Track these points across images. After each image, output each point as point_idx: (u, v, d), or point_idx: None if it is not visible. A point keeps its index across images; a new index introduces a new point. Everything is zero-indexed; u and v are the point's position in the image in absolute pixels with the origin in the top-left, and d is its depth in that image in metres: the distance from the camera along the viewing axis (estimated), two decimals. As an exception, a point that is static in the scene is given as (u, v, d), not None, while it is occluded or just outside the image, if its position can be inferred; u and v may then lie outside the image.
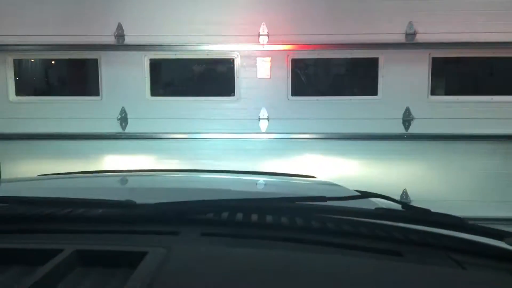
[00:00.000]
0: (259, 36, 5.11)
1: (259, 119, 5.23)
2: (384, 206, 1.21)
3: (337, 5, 5.09)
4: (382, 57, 5.13)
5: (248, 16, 5.10)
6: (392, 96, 5.15)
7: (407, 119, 5.16)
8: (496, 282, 0.80)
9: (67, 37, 5.10)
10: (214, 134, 5.23)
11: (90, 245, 0.85)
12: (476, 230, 0.97)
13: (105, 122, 5.26)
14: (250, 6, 5.11)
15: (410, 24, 5.01)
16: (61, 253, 0.78)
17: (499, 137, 5.09)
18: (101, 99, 5.28)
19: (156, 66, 5.39)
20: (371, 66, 5.24)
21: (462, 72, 5.62)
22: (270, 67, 5.19)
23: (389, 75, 5.13)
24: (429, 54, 5.10)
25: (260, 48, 5.14)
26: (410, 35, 5.02)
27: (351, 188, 1.75)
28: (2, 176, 5.16)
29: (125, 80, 5.23)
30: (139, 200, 1.10)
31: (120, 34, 5.14)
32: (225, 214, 1.12)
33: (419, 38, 5.02)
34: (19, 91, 5.36)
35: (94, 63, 5.29)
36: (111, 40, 5.15)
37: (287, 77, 5.20)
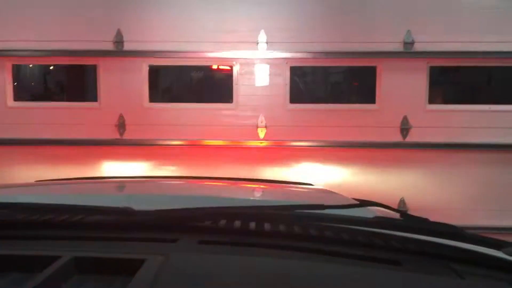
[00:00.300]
0: (257, 43, 5.12)
1: (257, 126, 5.24)
2: (382, 215, 1.21)
3: (336, 13, 5.11)
4: (380, 65, 5.15)
5: (247, 23, 5.11)
6: (390, 105, 5.16)
7: (405, 127, 5.17)
8: None
9: (66, 42, 5.10)
10: (212, 141, 5.23)
11: (88, 252, 0.85)
12: (474, 240, 0.97)
13: (103, 128, 5.25)
14: (249, 13, 5.13)
15: (409, 33, 5.03)
16: (59, 260, 0.78)
17: (498, 146, 5.10)
18: (99, 105, 5.28)
19: (154, 73, 5.40)
20: (369, 74, 5.25)
21: (460, 81, 5.65)
22: (269, 74, 5.20)
23: (387, 83, 5.15)
24: (427, 63, 5.11)
25: (259, 55, 5.15)
26: (408, 44, 5.04)
27: (348, 196, 1.75)
28: (-1, 182, 5.14)
29: (124, 86, 5.23)
30: (137, 207, 1.09)
31: (119, 40, 5.15)
32: (223, 222, 1.12)
33: (417, 47, 5.04)
34: (17, 97, 5.35)
35: (93, 69, 5.29)
36: (110, 46, 5.15)
37: (286, 85, 5.21)
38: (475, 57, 5.06)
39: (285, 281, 0.77)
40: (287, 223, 1.11)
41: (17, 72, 5.44)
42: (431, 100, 5.19)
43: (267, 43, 5.12)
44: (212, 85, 5.62)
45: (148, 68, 5.26)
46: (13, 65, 5.33)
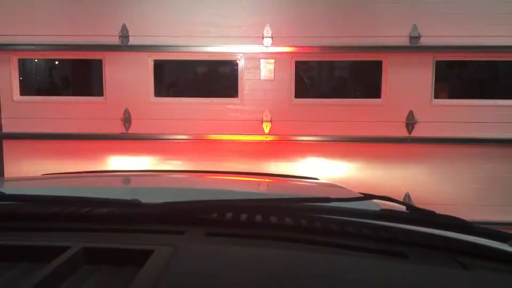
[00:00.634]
0: (263, 38, 5.12)
1: (262, 121, 5.24)
2: (388, 208, 1.21)
3: (342, 8, 5.09)
4: (386, 60, 5.13)
5: (252, 17, 5.11)
6: (396, 99, 5.15)
7: (410, 122, 5.16)
8: (501, 285, 0.80)
9: (71, 37, 5.12)
10: (217, 136, 5.24)
11: (97, 243, 0.85)
12: (480, 232, 0.97)
13: (108, 122, 5.27)
14: (254, 8, 5.12)
15: (415, 27, 5.01)
16: (68, 250, 0.79)
17: (503, 141, 5.08)
18: (105, 99, 5.29)
19: (160, 67, 5.41)
20: (375, 69, 5.24)
21: (466, 76, 5.62)
22: (274, 69, 5.20)
23: (392, 78, 5.13)
24: (433, 57, 5.10)
25: (264, 50, 5.15)
26: (414, 38, 5.02)
27: (354, 191, 1.75)
28: (6, 176, 5.17)
29: (129, 81, 5.25)
30: (144, 199, 1.10)
31: (124, 35, 5.16)
32: (230, 214, 1.12)
33: (423, 41, 5.02)
34: (24, 91, 5.38)
35: (98, 63, 5.30)
36: (115, 40, 5.17)
37: (291, 79, 5.20)
38: (481, 52, 5.04)
39: (291, 272, 0.77)
40: (293, 215, 1.11)
41: (23, 67, 5.46)
42: (437, 95, 5.17)
43: (272, 37, 5.11)
44: (217, 80, 5.62)
45: (153, 63, 5.27)
46: (19, 60, 5.36)
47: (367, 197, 1.25)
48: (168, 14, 5.14)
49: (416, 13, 5.02)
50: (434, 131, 5.13)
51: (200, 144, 5.28)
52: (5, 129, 5.32)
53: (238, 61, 5.24)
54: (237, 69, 5.25)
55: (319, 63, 5.50)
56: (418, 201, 5.05)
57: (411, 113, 5.14)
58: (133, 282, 0.68)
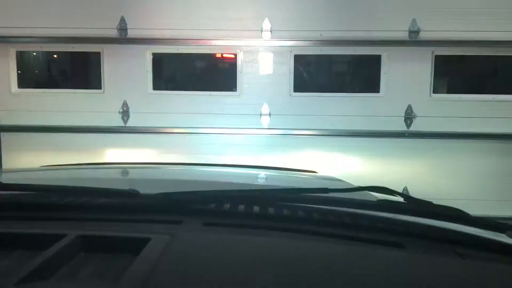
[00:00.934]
0: (262, 31, 5.10)
1: (261, 114, 5.23)
2: (387, 199, 1.21)
3: (341, 1, 5.08)
4: (385, 54, 5.12)
5: (251, 11, 5.09)
6: (394, 94, 5.14)
7: (409, 116, 5.16)
8: (498, 275, 0.80)
9: (70, 29, 5.10)
10: (216, 129, 5.23)
11: (93, 231, 0.85)
12: (478, 223, 0.97)
13: (106, 115, 5.26)
14: (253, 1, 5.10)
15: (414, 21, 5.00)
16: (65, 238, 0.79)
17: (502, 136, 5.09)
18: (103, 92, 5.28)
19: (158, 60, 5.39)
20: (374, 63, 5.23)
21: (465, 71, 5.61)
22: (273, 63, 5.19)
23: (391, 72, 5.13)
24: (432, 52, 5.09)
25: (263, 43, 5.13)
26: (414, 32, 5.01)
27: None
28: (4, 168, 5.16)
29: (128, 74, 5.23)
30: (142, 190, 1.10)
31: (123, 27, 5.14)
32: (227, 205, 1.12)
33: (423, 35, 5.01)
34: (21, 83, 5.37)
35: (97, 56, 5.28)
36: (113, 33, 5.15)
37: (290, 73, 5.20)
38: (481, 46, 5.03)
39: (289, 261, 0.77)
40: (291, 206, 1.11)
41: (21, 59, 5.44)
42: (436, 90, 5.17)
43: (271, 31, 5.09)
44: (216, 73, 5.61)
45: (152, 56, 5.25)
46: (17, 52, 5.33)
47: (366, 188, 1.25)
48: (166, 7, 5.12)
49: (416, 7, 5.01)
50: (433, 125, 5.13)
51: (198, 138, 5.27)
52: (2, 122, 5.30)
53: (237, 55, 5.22)
54: (236, 63, 5.24)
55: (318, 57, 5.48)
56: (416, 195, 5.03)
57: (409, 107, 5.14)
58: (130, 269, 0.68)
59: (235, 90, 5.26)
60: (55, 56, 5.75)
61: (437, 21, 4.98)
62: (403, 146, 5.19)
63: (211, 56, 5.44)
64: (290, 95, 5.22)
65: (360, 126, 5.15)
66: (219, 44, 5.16)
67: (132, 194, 1.08)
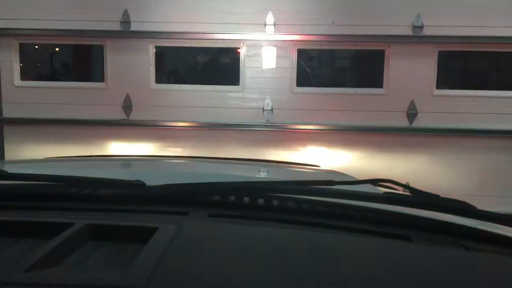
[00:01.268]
0: (265, 25, 5.09)
1: (263, 109, 5.23)
2: (393, 191, 1.21)
3: (345, -4, 5.07)
4: (389, 49, 5.11)
5: (255, 5, 5.07)
6: (397, 89, 5.13)
7: (412, 112, 5.15)
8: (504, 267, 0.80)
9: (73, 22, 5.09)
10: (218, 123, 5.23)
11: (101, 220, 0.85)
12: (484, 216, 0.97)
13: (109, 108, 5.26)
14: (257, -5, 5.09)
15: (418, 16, 4.98)
16: (72, 226, 0.79)
17: (504, 132, 5.08)
18: (106, 85, 5.28)
19: (161, 54, 5.39)
20: (377, 58, 5.22)
21: (469, 67, 5.60)
22: (276, 57, 5.18)
23: (395, 67, 5.12)
24: (436, 47, 5.08)
25: (266, 37, 5.12)
26: (418, 27, 4.99)
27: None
28: (8, 159, 5.17)
29: (130, 67, 5.23)
30: (147, 181, 1.10)
31: (126, 20, 5.13)
32: (232, 197, 1.13)
33: (427, 31, 4.99)
34: (24, 76, 5.37)
35: (100, 49, 5.28)
36: (117, 26, 5.14)
37: (293, 68, 5.19)
38: (485, 42, 5.01)
39: (295, 252, 0.77)
40: (297, 198, 1.11)
41: (24, 52, 5.43)
42: (439, 85, 5.16)
43: (274, 25, 5.08)
44: (219, 67, 5.60)
45: (155, 49, 5.25)
46: (21, 44, 5.33)
47: (372, 180, 1.25)
48: (170, 1, 5.11)
49: (420, 3, 4.99)
50: (435, 121, 5.12)
51: (200, 131, 5.27)
52: (5, 114, 5.31)
53: (240, 49, 5.21)
54: (239, 57, 5.23)
55: (321, 51, 5.47)
56: (418, 191, 5.05)
57: (412, 103, 5.13)
58: (138, 258, 0.68)
59: (238, 84, 5.25)
60: (58, 49, 5.74)
61: (441, 16, 4.97)
62: (406, 141, 5.19)
63: (214, 50, 5.43)
64: (293, 89, 5.21)
65: (362, 121, 5.15)
66: (222, 38, 5.15)
67: (138, 185, 1.08)
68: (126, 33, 5.15)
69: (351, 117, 5.16)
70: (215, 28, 5.09)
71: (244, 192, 1.14)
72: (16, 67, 5.30)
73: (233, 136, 5.24)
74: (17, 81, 5.31)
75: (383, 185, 1.48)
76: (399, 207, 1.02)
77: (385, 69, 5.15)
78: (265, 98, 5.22)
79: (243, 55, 5.20)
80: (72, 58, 5.94)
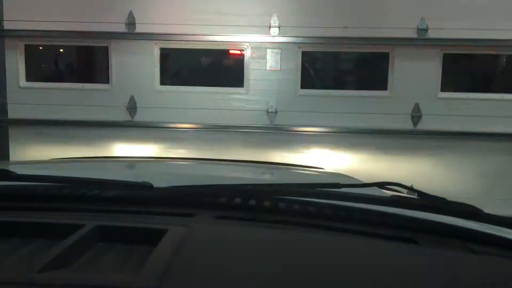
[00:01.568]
0: (270, 27, 5.10)
1: (267, 111, 5.23)
2: (399, 194, 1.22)
3: (349, -1, 5.07)
4: (393, 52, 5.11)
5: (260, 7, 5.08)
6: (402, 92, 5.13)
7: (416, 115, 5.14)
8: (511, 271, 0.80)
9: (78, 24, 5.11)
10: (222, 125, 5.24)
11: (111, 222, 0.86)
12: (491, 220, 0.98)
13: (114, 110, 5.28)
14: (261, -3, 5.10)
15: (423, 19, 4.98)
16: (83, 228, 0.80)
17: (509, 135, 5.07)
18: (111, 87, 5.30)
19: (166, 56, 5.40)
20: (382, 60, 5.22)
21: (473, 69, 5.59)
22: (280, 59, 5.18)
23: (399, 70, 5.11)
24: (441, 50, 5.07)
25: (271, 39, 5.13)
26: (422, 30, 4.99)
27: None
28: (14, 160, 5.19)
29: (135, 69, 5.24)
30: (154, 183, 1.11)
31: (131, 22, 5.15)
32: (239, 199, 1.13)
33: (431, 34, 4.99)
34: (30, 77, 5.39)
35: (104, 50, 5.30)
36: (122, 28, 5.16)
37: (297, 70, 5.19)
38: (490, 45, 5.01)
39: (301, 255, 0.78)
40: (303, 200, 1.11)
41: (30, 53, 5.45)
42: (444, 88, 5.15)
43: (279, 27, 5.09)
44: (223, 69, 5.61)
45: (159, 51, 5.26)
46: (26, 46, 5.35)
47: (378, 183, 1.25)
48: (175, 2, 5.12)
49: (425, 5, 4.99)
50: (440, 124, 5.11)
51: (205, 133, 5.28)
52: (11, 115, 5.33)
53: (244, 51, 5.22)
54: (243, 59, 5.24)
55: (326, 53, 5.47)
56: (422, 194, 5.03)
57: (417, 105, 5.12)
58: (149, 259, 0.69)
59: (242, 86, 5.26)
60: (63, 50, 5.77)
61: (446, 19, 4.96)
62: (410, 144, 5.18)
63: (219, 52, 5.44)
64: (297, 92, 5.21)
65: (367, 124, 5.15)
66: (226, 40, 5.16)
67: (146, 186, 1.09)
68: (131, 34, 5.16)
69: (355, 119, 5.15)
70: (219, 30, 5.10)
71: (250, 194, 1.14)
72: (22, 68, 5.32)
73: (237, 138, 5.25)
74: (23, 82, 5.33)
75: (389, 188, 1.48)
76: (405, 210, 1.03)
77: (389, 72, 5.15)
78: (269, 100, 5.22)
79: (247, 57, 5.21)
80: (77, 60, 5.96)
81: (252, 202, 1.12)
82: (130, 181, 1.11)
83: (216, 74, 5.57)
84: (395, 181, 1.29)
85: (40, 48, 5.66)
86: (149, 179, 1.13)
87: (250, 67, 5.21)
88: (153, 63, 5.24)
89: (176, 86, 5.42)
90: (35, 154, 5.24)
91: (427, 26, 4.98)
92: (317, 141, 5.25)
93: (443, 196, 1.07)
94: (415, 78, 5.09)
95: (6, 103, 5.31)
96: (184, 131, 5.28)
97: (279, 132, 5.24)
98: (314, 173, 2.17)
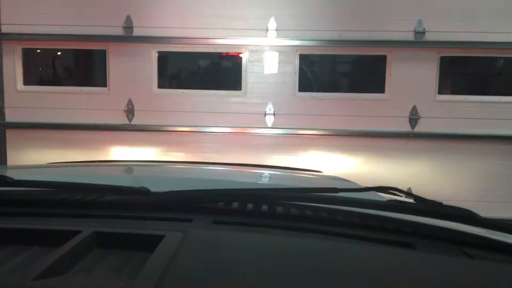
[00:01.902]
0: (267, 30, 5.11)
1: (265, 114, 5.24)
2: (396, 199, 1.22)
3: (347, 1, 5.08)
4: (390, 54, 5.12)
5: (257, 10, 5.09)
6: (399, 94, 5.14)
7: (414, 117, 5.15)
8: (508, 276, 0.81)
9: (76, 27, 5.12)
10: (220, 128, 5.24)
11: (108, 228, 0.86)
12: (487, 224, 0.98)
13: (111, 113, 5.28)
14: (259, 0, 5.11)
15: (420, 22, 4.99)
16: (79, 234, 0.80)
17: (506, 138, 5.08)
18: (108, 90, 5.30)
19: (163, 59, 5.40)
20: (379, 63, 5.23)
21: (470, 72, 5.60)
22: (278, 62, 5.19)
23: (396, 73, 5.12)
24: (438, 53, 5.08)
25: (268, 42, 5.14)
26: (419, 33, 5.01)
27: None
28: (11, 165, 5.18)
29: (133, 72, 5.24)
30: (152, 188, 1.10)
31: (128, 26, 5.15)
32: (236, 204, 1.13)
33: (428, 36, 5.01)
34: (27, 81, 5.38)
35: (102, 54, 5.30)
36: (119, 31, 5.16)
37: (295, 73, 5.20)
38: (487, 48, 5.02)
39: (299, 260, 0.78)
40: (300, 205, 1.11)
41: (27, 56, 5.45)
42: (441, 91, 5.16)
43: (277, 30, 5.10)
44: (221, 72, 5.62)
45: (157, 54, 5.26)
46: (23, 49, 5.35)
47: (375, 188, 1.25)
48: (172, 6, 5.13)
49: (421, 8, 5.00)
50: (437, 126, 5.12)
51: (203, 136, 5.28)
52: (8, 119, 5.33)
53: (242, 54, 5.23)
54: (241, 62, 5.24)
55: (323, 57, 5.48)
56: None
57: (414, 108, 5.14)
58: (145, 266, 0.69)
59: (240, 89, 5.26)
60: (60, 53, 5.77)
61: (443, 22, 4.98)
62: (408, 146, 5.19)
63: (216, 55, 5.45)
64: (295, 94, 5.22)
65: (364, 127, 5.15)
66: (224, 43, 5.17)
67: (143, 191, 1.08)
68: (128, 38, 5.17)
69: (353, 122, 5.16)
70: (217, 33, 5.11)
71: (248, 199, 1.14)
72: (19, 71, 5.31)
73: (235, 141, 5.25)
74: (20, 85, 5.33)
75: (386, 192, 1.48)
76: (402, 214, 1.03)
77: (387, 74, 5.16)
78: (267, 103, 5.23)
79: (245, 60, 5.21)
80: (75, 63, 5.96)
81: (250, 207, 1.12)
82: (127, 187, 1.11)
83: (214, 77, 5.58)
84: (393, 183, 1.29)
85: (38, 51, 5.66)
86: (146, 183, 1.13)
87: (248, 70, 5.21)
88: (150, 66, 5.24)
89: (174, 89, 5.42)
90: (33, 157, 5.23)
91: (424, 29, 5.00)
92: (315, 144, 5.26)
93: (441, 199, 1.07)
94: (413, 81, 5.11)
95: (4, 107, 5.30)
96: (182, 134, 5.27)
97: (277, 135, 5.25)
98: (312, 176, 2.17)
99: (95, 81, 5.59)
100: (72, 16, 5.13)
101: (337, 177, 2.10)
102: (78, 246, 0.76)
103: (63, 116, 5.25)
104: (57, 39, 5.23)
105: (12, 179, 1.08)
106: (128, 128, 5.29)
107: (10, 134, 5.36)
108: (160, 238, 0.80)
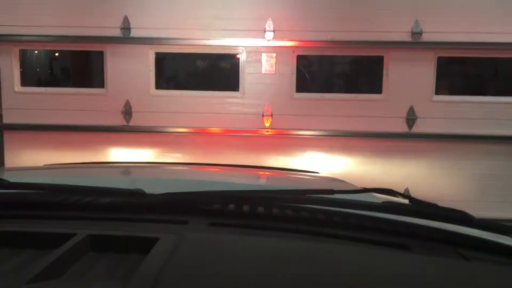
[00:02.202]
0: (265, 31, 5.11)
1: (263, 114, 5.24)
2: (392, 200, 1.22)
3: (344, 2, 5.08)
4: (387, 55, 5.13)
5: (254, 11, 5.10)
6: (397, 95, 5.15)
7: (411, 118, 5.16)
8: (503, 277, 0.81)
9: (73, 28, 5.11)
10: (218, 129, 5.24)
11: (102, 231, 0.86)
12: (482, 226, 0.98)
13: (109, 114, 5.27)
14: (256, 1, 5.11)
15: (417, 22, 5.00)
16: (74, 237, 0.79)
17: (503, 138, 5.09)
18: (106, 91, 5.29)
19: (161, 60, 5.40)
20: (376, 64, 5.23)
21: (467, 72, 5.62)
22: (275, 63, 5.19)
23: (394, 73, 5.13)
24: (435, 53, 5.09)
25: (266, 43, 5.14)
26: (416, 34, 5.01)
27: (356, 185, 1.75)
28: (7, 166, 5.17)
29: (130, 73, 5.24)
30: (147, 190, 1.10)
31: (126, 27, 5.15)
32: (232, 205, 1.13)
33: (425, 37, 5.01)
34: (25, 82, 5.37)
35: (100, 55, 5.29)
36: (117, 32, 5.16)
37: (292, 73, 5.20)
38: (484, 48, 5.03)
39: (294, 262, 0.78)
40: (296, 206, 1.11)
41: (25, 58, 5.45)
42: (438, 91, 5.17)
43: (274, 31, 5.10)
44: (219, 73, 5.62)
45: (154, 55, 5.26)
46: (21, 51, 5.34)
47: (371, 189, 1.26)
48: (170, 7, 5.13)
49: (418, 9, 5.01)
50: (435, 127, 5.13)
51: (200, 137, 5.28)
52: (5, 120, 5.32)
53: (239, 55, 5.23)
54: (238, 63, 5.25)
55: (321, 57, 5.49)
56: (417, 197, 5.02)
57: (412, 108, 5.14)
58: (139, 269, 0.69)
59: (238, 90, 5.26)
60: (58, 55, 5.76)
61: (440, 22, 4.99)
62: (405, 147, 5.19)
63: (214, 56, 5.45)
64: (292, 95, 5.23)
65: (362, 127, 5.16)
66: (221, 44, 5.17)
67: (138, 193, 1.08)
68: (126, 39, 5.16)
69: (350, 122, 5.17)
70: (215, 34, 5.11)
71: (244, 200, 1.14)
72: (17, 73, 5.31)
73: (232, 141, 5.25)
74: (18, 87, 5.32)
75: (382, 193, 1.48)
76: (398, 216, 1.03)
77: (384, 75, 5.17)
78: (264, 104, 5.23)
79: (242, 61, 5.22)
80: (72, 64, 5.95)
81: (246, 208, 1.12)
82: (122, 189, 1.11)
83: (211, 78, 5.58)
84: (391, 183, 1.29)
85: (35, 52, 5.66)
86: (142, 185, 1.13)
87: (245, 71, 5.21)
88: (148, 67, 5.24)
89: (172, 90, 5.42)
90: (31, 158, 5.22)
91: (421, 30, 5.01)
92: (313, 144, 5.26)
93: (438, 199, 1.07)
94: (410, 81, 5.11)
95: (1, 108, 5.29)
96: (180, 135, 5.27)
97: (275, 136, 5.25)
98: (309, 177, 2.17)
99: (92, 82, 5.59)
100: (70, 17, 5.12)
101: (334, 178, 2.10)
102: (72, 249, 0.76)
103: (61, 117, 5.25)
104: (55, 40, 5.23)
105: (7, 181, 1.08)
106: (126, 130, 5.29)
107: (7, 136, 5.35)
108: (155, 240, 0.80)
